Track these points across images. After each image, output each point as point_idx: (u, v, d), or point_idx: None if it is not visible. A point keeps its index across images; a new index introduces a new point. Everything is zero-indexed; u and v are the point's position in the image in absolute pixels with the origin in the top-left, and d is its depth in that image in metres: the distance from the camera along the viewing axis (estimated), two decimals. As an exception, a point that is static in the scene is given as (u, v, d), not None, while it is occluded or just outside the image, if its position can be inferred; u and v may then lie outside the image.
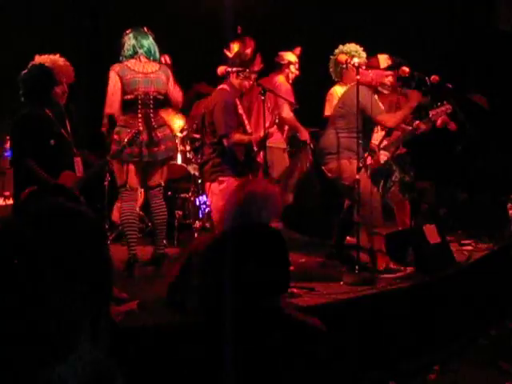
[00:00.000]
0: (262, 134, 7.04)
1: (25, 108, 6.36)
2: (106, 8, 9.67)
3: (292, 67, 8.63)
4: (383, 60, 7.45)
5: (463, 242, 8.20)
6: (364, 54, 8.11)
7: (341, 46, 8.28)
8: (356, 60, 7.31)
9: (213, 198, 7.14)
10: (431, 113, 7.60)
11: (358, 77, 7.10)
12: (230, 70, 7.11)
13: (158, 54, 7.15)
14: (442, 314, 6.68)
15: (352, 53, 7.99)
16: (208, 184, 7.20)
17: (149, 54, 7.04)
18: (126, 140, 6.57)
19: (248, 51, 7.08)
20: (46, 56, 6.76)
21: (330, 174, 7.25)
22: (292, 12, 10.36)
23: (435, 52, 9.91)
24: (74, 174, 6.34)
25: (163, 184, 7.20)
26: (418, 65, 7.84)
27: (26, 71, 6.43)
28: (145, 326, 5.65)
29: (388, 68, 7.44)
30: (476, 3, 10.34)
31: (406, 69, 7.67)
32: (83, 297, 2.04)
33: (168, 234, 8.37)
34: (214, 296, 2.71)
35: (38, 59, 6.72)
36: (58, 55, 6.76)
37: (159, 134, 6.81)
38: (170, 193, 8.69)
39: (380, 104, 7.35)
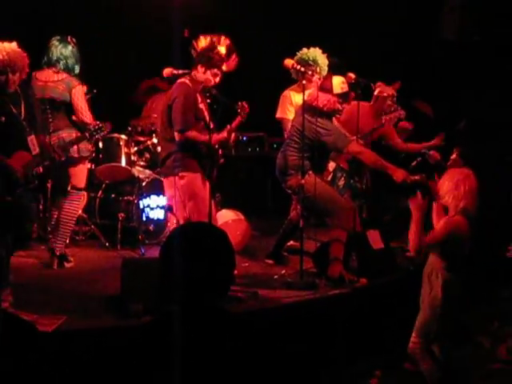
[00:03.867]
0: (223, 135, 6.95)
1: None
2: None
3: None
4: (337, 85, 7.32)
5: (406, 248, 8.24)
6: (323, 64, 7.94)
7: (304, 50, 8.04)
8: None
9: (175, 192, 6.99)
10: (384, 118, 7.63)
11: (304, 81, 7.11)
12: (175, 72, 7.04)
13: (72, 65, 7.40)
14: (383, 318, 6.71)
15: (309, 62, 7.87)
16: (170, 179, 7.03)
17: (58, 64, 7.34)
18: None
19: (221, 50, 6.95)
20: (3, 43, 6.68)
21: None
22: (241, 12, 10.34)
23: (381, 59, 9.98)
24: (27, 154, 6.26)
25: (70, 188, 7.50)
26: (363, 72, 7.89)
27: None
28: (88, 329, 5.61)
29: (342, 94, 7.34)
30: (421, 13, 10.44)
31: (352, 75, 7.71)
32: None
33: (111, 237, 8.33)
34: (159, 295, 2.69)
35: None
36: (14, 43, 6.67)
37: (53, 138, 7.14)
38: (113, 195, 8.59)
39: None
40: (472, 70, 9.92)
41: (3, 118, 6.17)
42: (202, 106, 6.93)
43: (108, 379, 4.87)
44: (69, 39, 7.43)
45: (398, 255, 7.84)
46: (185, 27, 9.78)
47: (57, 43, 7.38)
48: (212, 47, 6.93)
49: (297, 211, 7.73)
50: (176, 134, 6.82)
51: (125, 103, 9.82)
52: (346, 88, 7.32)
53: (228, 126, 6.96)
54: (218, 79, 6.96)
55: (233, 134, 7.12)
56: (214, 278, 2.61)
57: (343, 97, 7.31)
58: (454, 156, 7.81)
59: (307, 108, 7.16)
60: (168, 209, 7.30)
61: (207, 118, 6.94)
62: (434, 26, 10.66)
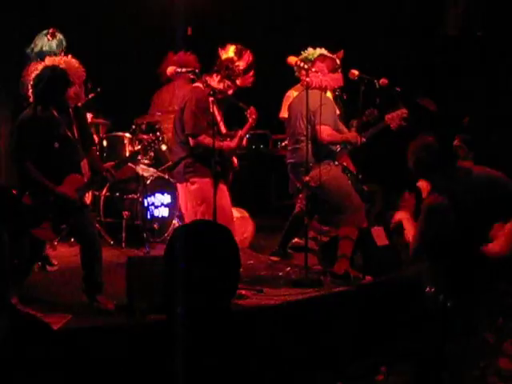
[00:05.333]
0: (235, 142, 6.92)
1: (29, 108, 6.21)
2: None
3: None
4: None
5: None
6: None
7: (310, 49, 8.05)
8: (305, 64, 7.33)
9: (184, 198, 6.98)
10: (387, 117, 7.62)
11: (308, 79, 7.13)
12: (179, 70, 7.03)
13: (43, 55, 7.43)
14: (388, 315, 6.71)
15: (310, 60, 7.87)
16: (182, 185, 7.01)
17: (40, 56, 7.40)
18: None
19: (241, 64, 6.93)
20: (59, 57, 6.68)
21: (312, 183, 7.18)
22: (244, 12, 10.34)
23: (385, 55, 9.97)
24: (79, 177, 6.24)
25: None
26: (367, 68, 7.88)
27: (39, 73, 6.27)
28: (93, 328, 5.62)
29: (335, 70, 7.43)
30: (425, 8, 10.43)
31: (356, 72, 7.69)
32: None
33: (115, 236, 8.34)
34: (166, 295, 2.68)
35: (50, 61, 6.62)
36: (70, 56, 6.67)
37: None
38: (117, 193, 8.60)
39: (331, 112, 7.33)
40: (476, 66, 9.91)
41: (57, 144, 6.12)
42: (213, 110, 6.83)
43: (113, 378, 4.88)
44: (49, 31, 7.49)
45: (402, 252, 7.83)
46: (188, 25, 9.81)
47: (40, 35, 7.49)
48: (233, 60, 6.90)
49: (301, 206, 7.73)
50: (190, 138, 6.80)
51: (129, 102, 9.83)
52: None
53: (239, 132, 6.94)
54: (230, 91, 6.93)
55: (244, 140, 7.10)
56: (219, 278, 2.60)
57: None
58: (456, 142, 7.82)
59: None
60: (178, 217, 7.21)
61: (219, 123, 6.90)
62: (438, 21, 10.63)
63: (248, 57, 6.92)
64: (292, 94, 8.39)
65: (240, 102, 6.90)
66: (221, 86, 6.85)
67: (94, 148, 7.03)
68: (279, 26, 10.42)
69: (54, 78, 6.15)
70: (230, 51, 6.93)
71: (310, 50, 7.94)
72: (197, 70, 6.98)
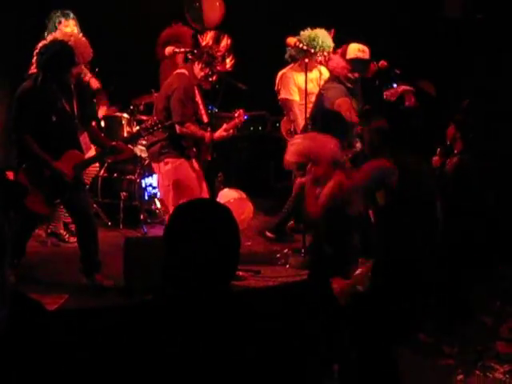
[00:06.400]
0: (221, 134, 6.98)
1: (29, 80, 6.19)
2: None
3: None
4: (352, 50, 7.30)
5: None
6: (328, 42, 7.82)
7: (308, 30, 7.95)
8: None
9: (159, 177, 7.05)
10: (385, 94, 7.59)
11: (306, 60, 7.13)
12: (177, 50, 7.02)
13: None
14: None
15: (311, 40, 7.77)
16: (156, 164, 7.09)
17: None
18: None
19: (220, 48, 6.90)
20: (70, 32, 6.64)
21: None
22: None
23: (384, 38, 9.92)
24: (78, 154, 6.22)
25: None
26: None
27: (48, 43, 6.21)
28: (90, 308, 5.62)
29: (356, 61, 7.33)
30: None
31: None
32: None
33: (113, 216, 8.33)
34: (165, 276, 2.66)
35: (62, 34, 6.58)
36: (81, 35, 6.63)
37: None
38: (115, 174, 8.58)
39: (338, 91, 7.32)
40: (476, 49, 9.87)
41: (54, 118, 6.09)
42: (197, 99, 6.92)
43: (109, 358, 4.88)
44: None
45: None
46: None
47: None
48: (212, 47, 6.86)
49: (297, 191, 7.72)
50: (177, 126, 6.82)
51: (127, 82, 9.79)
52: (362, 56, 7.34)
53: (225, 125, 6.99)
54: (214, 78, 6.92)
55: (230, 131, 7.13)
56: (219, 259, 2.58)
57: (357, 64, 7.30)
58: (451, 130, 7.82)
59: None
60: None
61: (202, 112, 6.94)
62: (437, 3, 10.58)
63: (226, 41, 6.90)
64: (291, 74, 8.23)
65: (238, 82, 6.89)
66: (202, 73, 6.85)
67: (95, 123, 6.99)
68: (276, 4, 10.35)
69: (61, 53, 6.09)
70: (208, 38, 6.92)
71: (309, 30, 7.88)
72: (195, 51, 6.94)
